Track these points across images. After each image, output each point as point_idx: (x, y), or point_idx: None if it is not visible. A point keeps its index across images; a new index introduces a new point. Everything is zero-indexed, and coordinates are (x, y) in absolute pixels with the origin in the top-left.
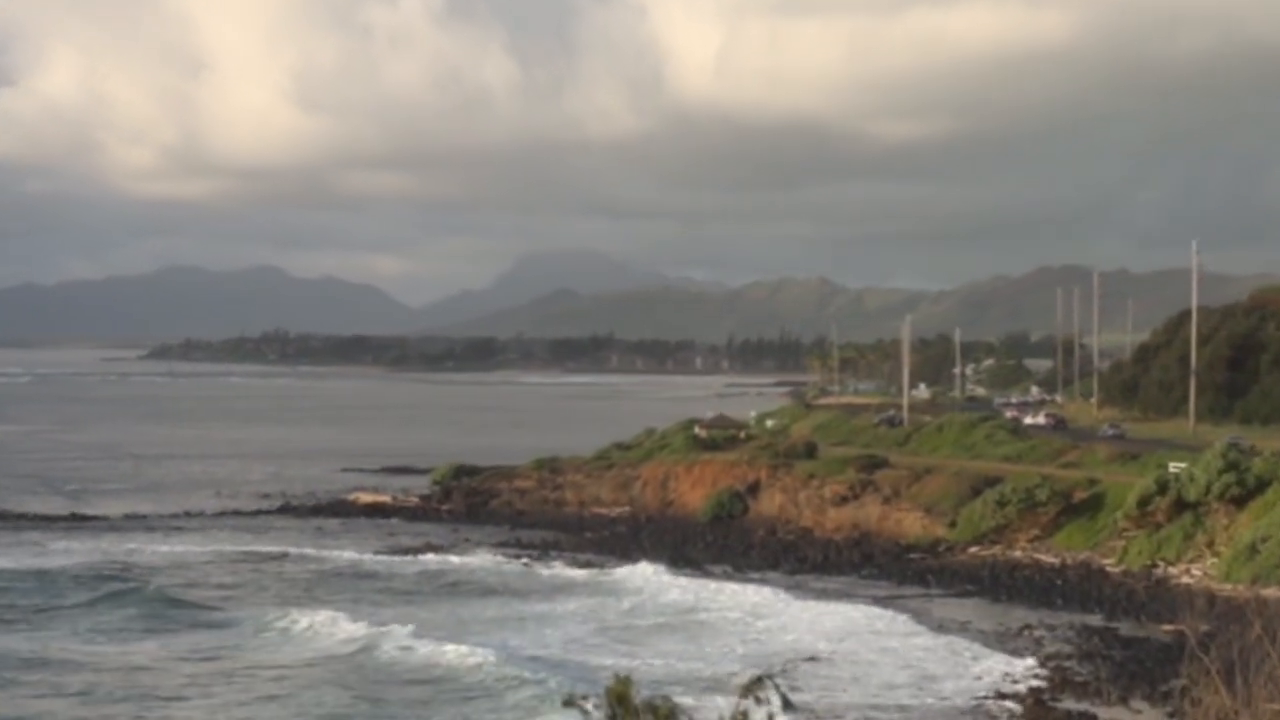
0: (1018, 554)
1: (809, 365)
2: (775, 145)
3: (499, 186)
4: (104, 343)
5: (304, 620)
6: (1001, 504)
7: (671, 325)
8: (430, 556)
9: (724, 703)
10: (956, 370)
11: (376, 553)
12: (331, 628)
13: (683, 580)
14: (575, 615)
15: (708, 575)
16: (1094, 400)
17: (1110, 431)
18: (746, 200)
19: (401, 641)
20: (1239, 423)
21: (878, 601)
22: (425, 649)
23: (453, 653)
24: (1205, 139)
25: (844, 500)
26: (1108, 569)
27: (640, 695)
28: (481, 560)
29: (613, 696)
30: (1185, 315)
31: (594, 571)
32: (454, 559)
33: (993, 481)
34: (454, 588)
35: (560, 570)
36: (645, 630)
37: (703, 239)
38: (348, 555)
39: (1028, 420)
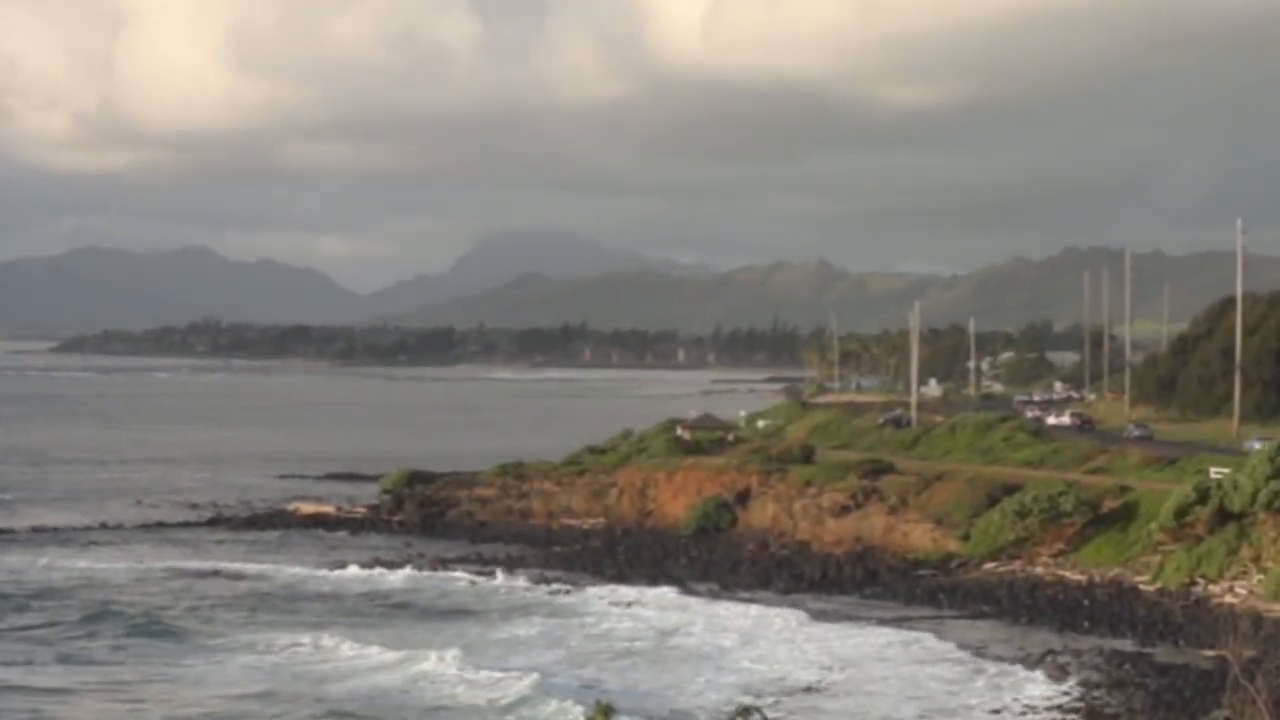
0: (1039, 570)
1: (805, 359)
2: (770, 112)
3: (458, 158)
4: (9, 333)
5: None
6: (1021, 514)
7: (652, 314)
8: (379, 573)
9: None
10: (971, 364)
11: (318, 568)
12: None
13: (663, 600)
14: (539, 640)
15: (692, 594)
16: (1126, 398)
17: (1136, 432)
18: (737, 174)
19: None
20: None
21: (883, 624)
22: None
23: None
24: (1251, 104)
25: (845, 510)
26: (1141, 587)
27: None
28: (436, 577)
29: None
30: (1229, 302)
31: (562, 590)
32: (404, 576)
33: (1011, 489)
34: (401, 609)
35: (524, 588)
36: (617, 657)
37: (687, 217)
38: (288, 572)
39: (1051, 421)
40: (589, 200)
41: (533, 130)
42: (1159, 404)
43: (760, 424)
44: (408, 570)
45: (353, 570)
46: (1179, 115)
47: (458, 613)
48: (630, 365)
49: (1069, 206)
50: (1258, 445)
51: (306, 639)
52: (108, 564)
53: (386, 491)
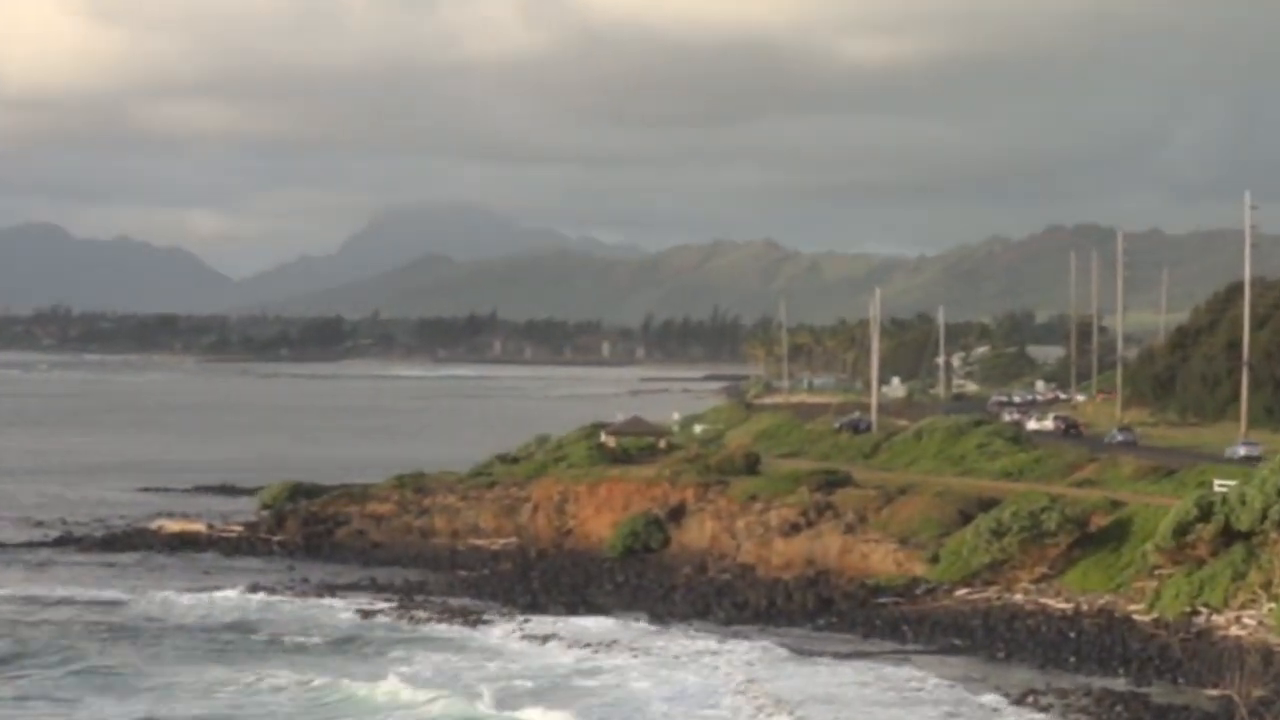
0: (1019, 598)
1: (749, 354)
2: (711, 70)
3: (350, 122)
4: None
5: None
6: (998, 533)
7: (572, 302)
8: (257, 600)
9: None
10: (940, 360)
11: (184, 596)
12: None
13: (584, 633)
14: (430, 682)
15: (618, 626)
16: (1117, 399)
17: (1119, 437)
18: (672, 141)
19: None
20: None
21: (839, 659)
22: None
23: None
24: (1262, 63)
25: (795, 529)
26: (1135, 617)
27: None
28: (319, 606)
29: None
30: (1236, 289)
31: (465, 622)
32: (282, 604)
33: (987, 504)
34: (271, 646)
35: (422, 619)
36: (522, 700)
37: (614, 190)
38: (150, 600)
39: (1032, 425)
40: (501, 171)
41: (437, 90)
42: (1156, 406)
43: (697, 429)
44: (287, 598)
45: (225, 597)
46: (1180, 75)
47: (334, 648)
48: (547, 361)
49: (1053, 179)
50: (1243, 451)
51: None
52: None
53: (266, 507)
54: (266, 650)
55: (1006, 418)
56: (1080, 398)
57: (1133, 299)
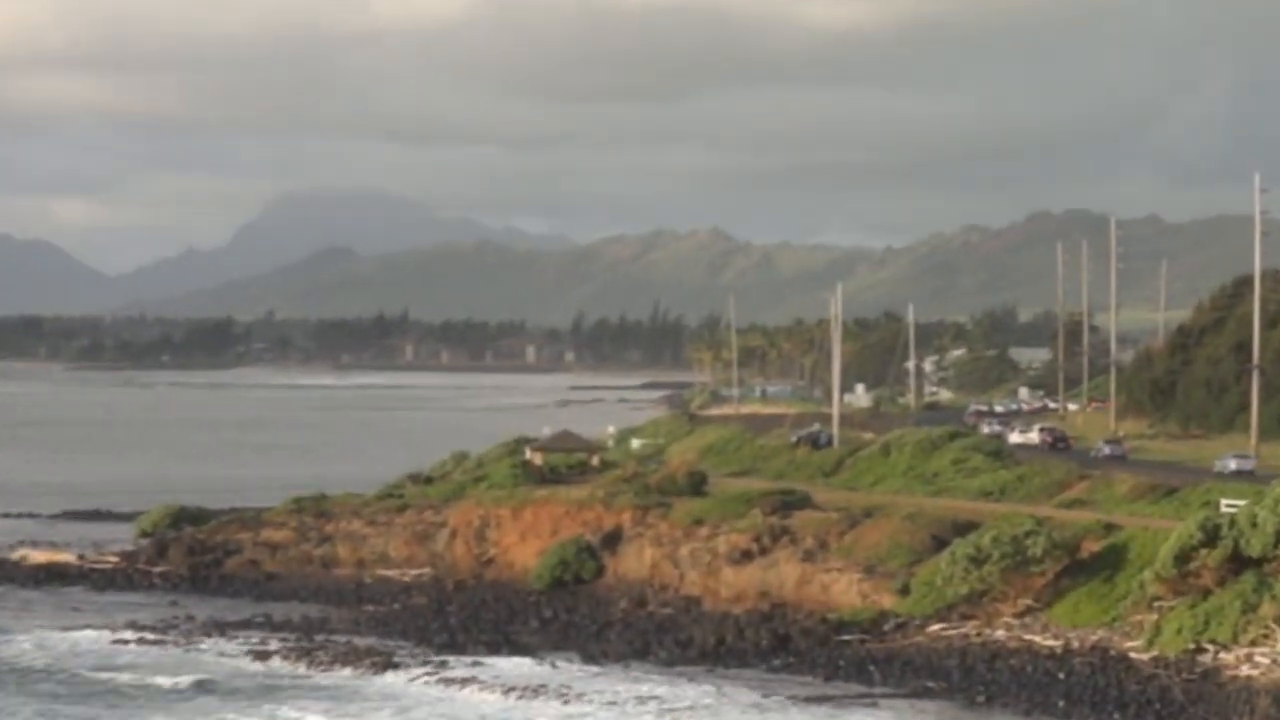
0: (1000, 634)
1: (694, 359)
2: (651, 38)
3: (241, 99)
4: None
5: None
6: (977, 561)
7: (493, 300)
8: (129, 639)
9: None
10: (910, 365)
11: (43, 632)
12: None
13: (506, 676)
14: None
15: (546, 667)
16: (1111, 408)
17: (1106, 450)
18: (606, 118)
19: None
20: None
21: (797, 704)
22: None
23: None
24: (1273, 28)
25: (746, 556)
26: (1132, 655)
27: None
28: (203, 647)
29: None
30: (1244, 282)
31: (371, 665)
32: (159, 646)
33: (964, 528)
34: (145, 694)
35: (325, 662)
36: None
37: (540, 174)
38: (10, 640)
39: (1014, 438)
40: (413, 153)
41: (340, 62)
42: (1155, 415)
43: (635, 444)
44: (168, 637)
45: (94, 637)
46: (1181, 38)
47: (220, 697)
48: (465, 367)
49: (1038, 159)
50: (1234, 464)
51: None
52: None
53: (145, 534)
54: (138, 700)
55: (985, 430)
56: (1072, 406)
57: (1128, 294)
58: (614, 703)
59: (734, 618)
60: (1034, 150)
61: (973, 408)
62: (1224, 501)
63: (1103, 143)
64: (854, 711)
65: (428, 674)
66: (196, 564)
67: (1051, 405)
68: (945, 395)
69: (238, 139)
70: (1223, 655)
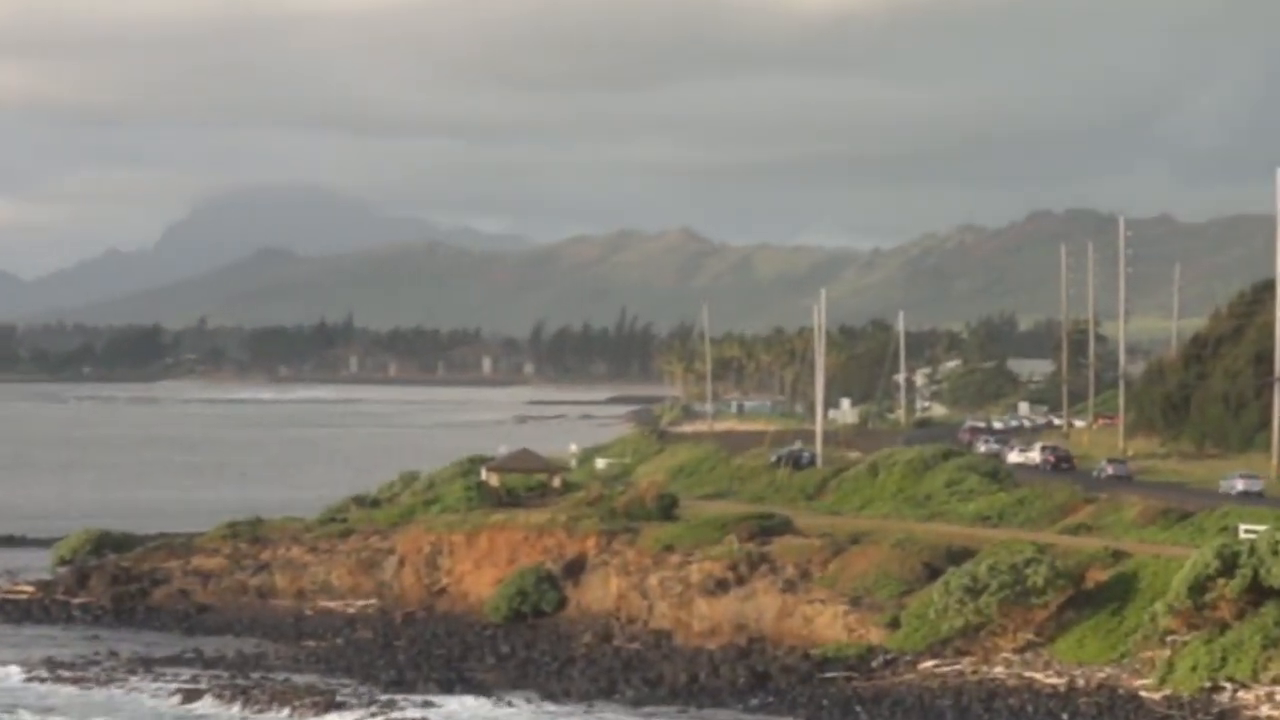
0: (999, 671)
1: (665, 371)
2: (618, 21)
3: (169, 88)
4: None
5: None
6: (973, 591)
7: (446, 306)
8: (43, 678)
9: None
10: (900, 377)
11: None
12: None
13: (459, 716)
14: None
15: (503, 707)
16: (1120, 425)
17: (1109, 470)
18: (569, 108)
19: None
20: None
21: None
22: None
23: None
24: None
25: (721, 586)
26: (1143, 694)
27: None
28: (127, 687)
29: None
30: (1265, 288)
31: (313, 705)
32: (78, 686)
33: (959, 556)
34: None
35: (257, 703)
36: None
37: (497, 169)
38: None
39: (1013, 458)
40: (357, 145)
41: (278, 46)
42: (1167, 433)
43: (600, 464)
44: (88, 675)
45: (4, 675)
46: (1196, 24)
47: None
48: (415, 380)
49: (1040, 153)
50: (1240, 485)
51: None
52: None
53: (64, 562)
54: None
55: (982, 449)
56: (1079, 423)
57: (1138, 301)
58: None
59: (708, 653)
60: (1035, 144)
61: (968, 424)
62: (1242, 527)
63: (1110, 135)
64: None
65: (373, 715)
66: (120, 594)
67: (1056, 422)
68: (938, 411)
69: (165, 132)
70: (1241, 694)
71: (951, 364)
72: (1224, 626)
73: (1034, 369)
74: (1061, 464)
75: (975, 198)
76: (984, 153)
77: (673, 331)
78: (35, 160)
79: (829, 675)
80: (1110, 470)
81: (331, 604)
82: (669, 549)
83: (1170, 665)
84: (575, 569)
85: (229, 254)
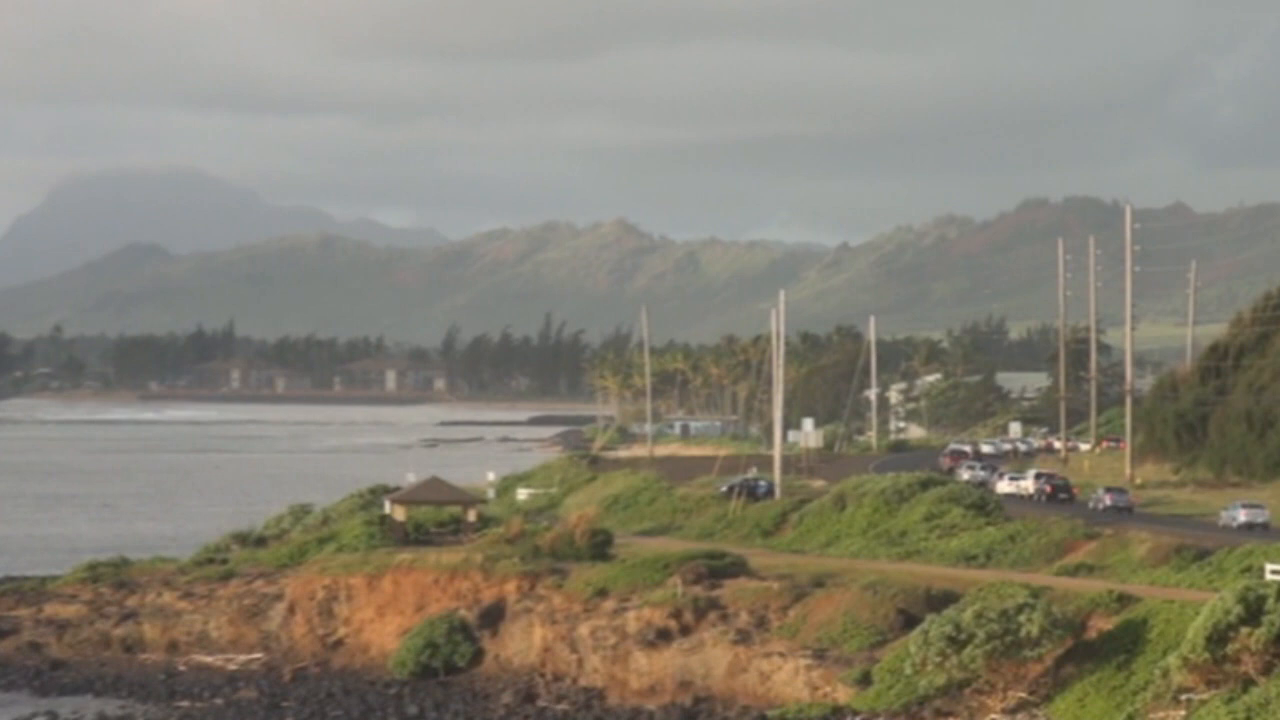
0: None
1: (597, 387)
2: None
3: (17, 59)
4: None
5: None
6: (956, 642)
7: (343, 311)
8: None
9: None
10: (872, 393)
11: None
12: None
13: None
14: None
15: None
16: (1127, 449)
17: (1107, 501)
18: (486, 81)
19: None
20: None
21: None
22: None
23: None
24: None
25: (663, 637)
26: None
27: None
28: None
29: None
30: None
31: None
32: None
33: (939, 601)
34: None
35: None
36: None
37: (404, 152)
38: None
39: (1003, 487)
40: (239, 125)
41: (144, 14)
42: (1182, 457)
43: (522, 494)
44: None
45: None
46: None
47: None
48: (308, 397)
49: (1034, 134)
50: (1243, 516)
51: None
52: None
53: None
54: None
55: (966, 476)
56: (1084, 447)
57: (1147, 305)
58: None
59: (647, 714)
60: (1029, 122)
61: (951, 448)
62: (1269, 567)
63: (1115, 113)
64: None
65: None
66: None
67: (1056, 445)
68: (916, 433)
69: (13, 111)
70: None
71: (931, 378)
72: (1248, 683)
73: (1027, 383)
74: (1059, 494)
75: (959, 185)
76: (969, 132)
77: (607, 341)
78: None
79: None
80: (1108, 500)
81: (209, 659)
82: (602, 594)
83: None
84: (493, 617)
85: (89, 251)
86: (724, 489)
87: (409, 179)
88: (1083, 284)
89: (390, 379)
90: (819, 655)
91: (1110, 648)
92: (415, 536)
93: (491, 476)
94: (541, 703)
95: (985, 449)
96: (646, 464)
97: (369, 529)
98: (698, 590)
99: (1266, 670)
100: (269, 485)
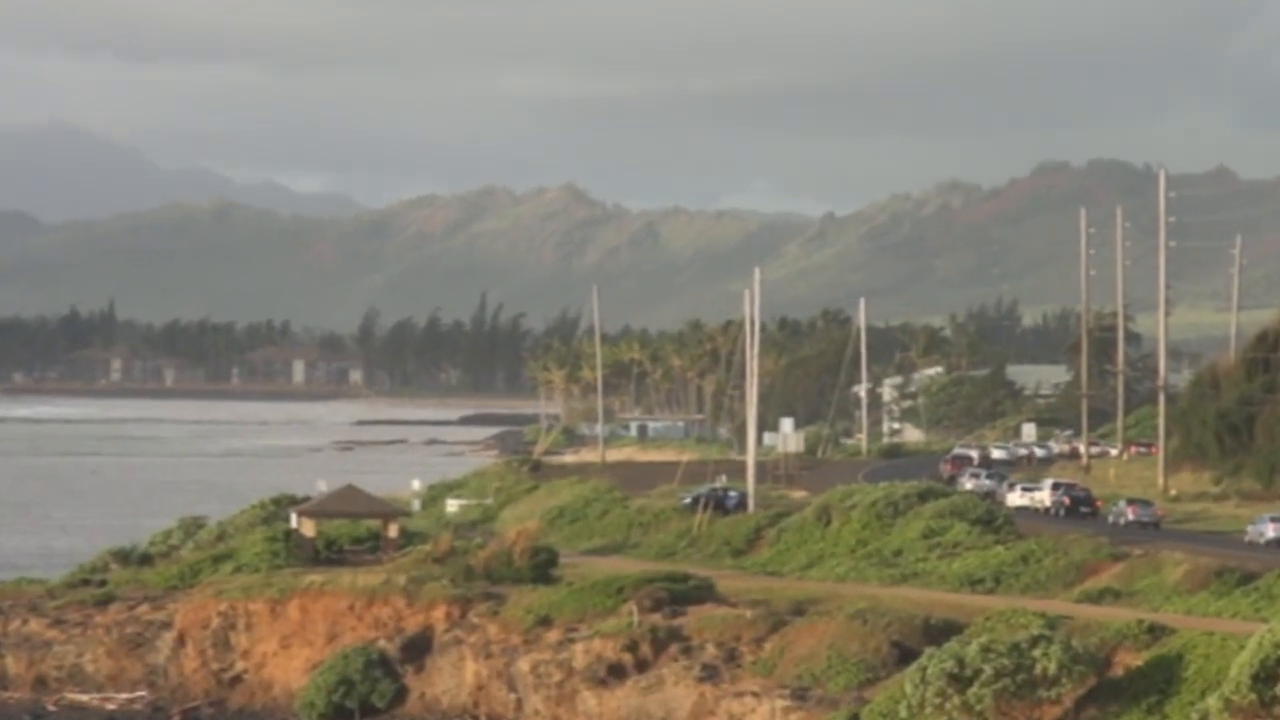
0: None
1: (540, 380)
2: None
3: None
4: None
5: None
6: (960, 681)
7: (243, 291)
8: None
9: None
10: (861, 389)
11: None
12: None
13: None
14: None
15: None
16: (1160, 454)
17: (1129, 515)
18: (411, 24)
19: None
20: None
21: None
22: None
23: None
24: None
25: (616, 674)
26: None
27: None
28: None
29: None
30: None
31: None
32: None
33: (940, 633)
34: None
35: None
36: None
37: (316, 106)
38: None
39: (1015, 498)
40: (122, 74)
41: None
42: (1224, 465)
43: (453, 506)
44: None
45: None
46: None
47: None
48: (202, 392)
49: (1053, 85)
50: (1271, 532)
51: None
52: None
53: None
54: None
55: (969, 485)
56: (1112, 451)
57: (1185, 286)
58: None
59: None
60: (1047, 72)
61: (955, 452)
62: None
63: (1147, 63)
64: None
65: None
66: None
67: (1099, 450)
68: (913, 435)
69: None
70: None
71: (931, 371)
72: None
73: (1043, 378)
74: (1080, 507)
75: (964, 145)
76: (977, 84)
77: (551, 327)
78: None
79: None
80: (1130, 514)
81: (84, 697)
82: (545, 622)
83: None
84: (418, 649)
85: None
86: (688, 500)
87: (322, 137)
88: (1109, 262)
89: (298, 371)
90: (799, 695)
91: (1140, 687)
92: (327, 555)
93: (416, 485)
94: None
95: (997, 454)
96: (597, 471)
97: (273, 546)
98: (657, 619)
99: None
100: (155, 494)
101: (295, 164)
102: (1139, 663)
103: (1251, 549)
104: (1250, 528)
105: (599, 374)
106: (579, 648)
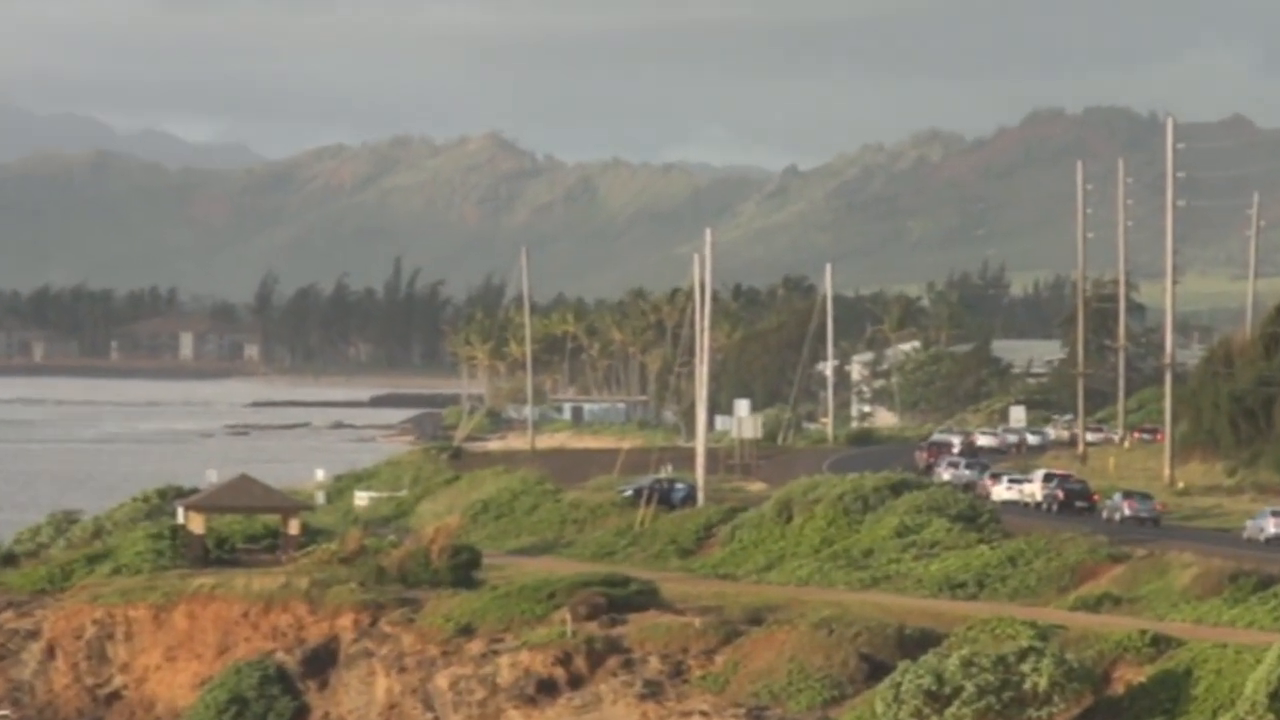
0: None
1: (461, 356)
2: None
3: None
4: None
5: None
6: (939, 699)
7: (122, 254)
8: None
9: None
10: (827, 366)
11: None
12: None
13: None
14: None
15: None
16: (1166, 441)
17: (1126, 510)
18: None
19: None
20: None
21: None
22: None
23: None
24: None
25: (547, 691)
26: None
27: None
28: None
29: None
30: None
31: None
32: None
33: (915, 644)
34: None
35: None
36: None
37: (205, 42)
38: None
39: (1001, 491)
40: None
41: None
42: (1238, 454)
43: (362, 499)
44: None
45: None
46: None
47: None
48: (75, 368)
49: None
50: (1272, 528)
51: None
52: None
53: None
54: None
55: (947, 476)
56: (1115, 436)
57: (1195, 251)
58: None
59: None
60: (1038, 8)
61: (934, 438)
62: None
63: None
64: None
65: None
66: None
67: (1093, 437)
68: (886, 419)
69: None
70: None
71: (906, 347)
72: None
73: (1034, 355)
74: (1075, 501)
75: (944, 89)
76: (960, 19)
77: (474, 295)
78: None
79: None
80: (1127, 509)
81: None
82: (467, 632)
83: None
84: (322, 662)
85: None
86: (629, 493)
87: (213, 79)
88: (1108, 223)
89: (186, 344)
90: (755, 715)
91: (1142, 706)
92: (218, 555)
93: (321, 475)
94: None
95: (984, 441)
96: (526, 460)
97: (156, 545)
98: (593, 628)
99: None
100: (21, 485)
101: (184, 109)
102: (1142, 679)
103: (1250, 546)
104: (1250, 523)
105: (528, 349)
106: (504, 661)
